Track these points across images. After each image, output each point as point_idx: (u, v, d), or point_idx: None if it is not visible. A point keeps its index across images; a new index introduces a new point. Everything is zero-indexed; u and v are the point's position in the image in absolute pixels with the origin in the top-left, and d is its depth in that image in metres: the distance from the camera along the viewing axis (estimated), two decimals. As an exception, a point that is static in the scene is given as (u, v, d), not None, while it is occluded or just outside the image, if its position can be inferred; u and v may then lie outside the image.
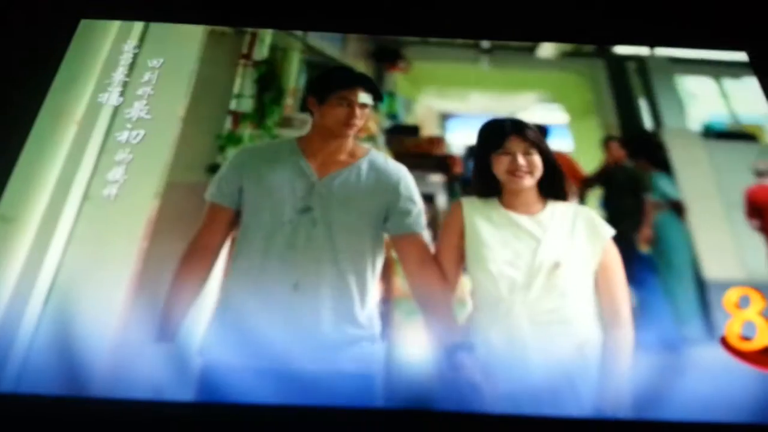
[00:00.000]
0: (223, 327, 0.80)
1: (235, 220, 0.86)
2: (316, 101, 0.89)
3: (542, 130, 0.93)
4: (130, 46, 1.00)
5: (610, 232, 0.84)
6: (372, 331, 0.81)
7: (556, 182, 0.86)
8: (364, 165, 0.88)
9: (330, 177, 0.86)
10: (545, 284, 0.81)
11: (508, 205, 0.86)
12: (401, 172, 0.88)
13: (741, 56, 1.05)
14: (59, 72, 0.97)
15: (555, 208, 0.85)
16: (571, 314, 0.80)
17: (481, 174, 0.86)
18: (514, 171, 0.84)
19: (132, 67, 0.99)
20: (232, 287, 0.82)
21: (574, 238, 0.83)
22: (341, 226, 0.84)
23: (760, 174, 0.93)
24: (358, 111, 0.87)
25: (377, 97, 0.90)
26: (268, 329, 0.78)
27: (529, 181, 0.84)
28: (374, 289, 0.83)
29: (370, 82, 0.90)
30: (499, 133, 0.86)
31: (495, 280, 0.81)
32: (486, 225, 0.84)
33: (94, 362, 0.74)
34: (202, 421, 0.73)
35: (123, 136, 0.92)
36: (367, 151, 0.89)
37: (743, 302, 0.80)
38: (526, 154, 0.85)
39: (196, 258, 0.83)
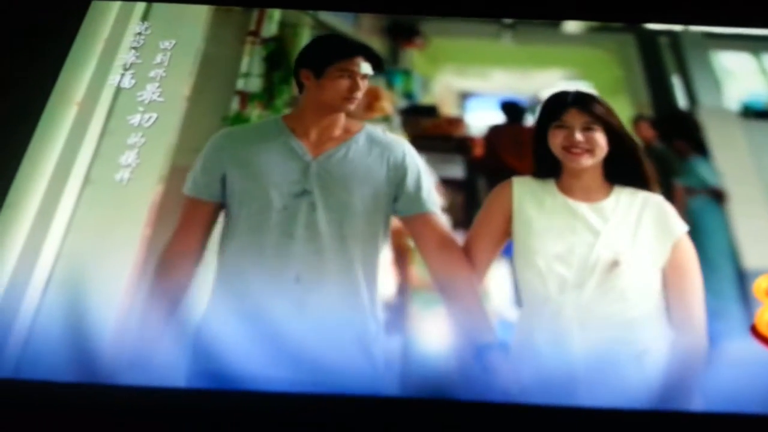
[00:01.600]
0: (213, 334, 0.73)
1: (217, 213, 0.80)
2: (312, 74, 0.83)
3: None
4: (141, 28, 0.97)
5: (683, 227, 0.76)
6: (379, 326, 0.75)
7: (627, 165, 0.77)
8: (361, 139, 0.82)
9: (326, 155, 0.80)
10: (601, 285, 0.73)
11: (566, 189, 0.78)
12: (404, 145, 0.82)
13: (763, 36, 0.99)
14: (70, 55, 0.94)
15: (620, 195, 0.77)
16: (631, 319, 0.72)
17: (537, 149, 0.79)
18: (569, 147, 0.77)
19: (143, 49, 0.95)
20: (221, 288, 0.75)
21: (638, 232, 0.75)
22: (345, 209, 0.77)
23: None
24: (360, 82, 0.82)
25: (378, 66, 0.84)
26: (268, 330, 0.72)
27: (588, 161, 0.77)
28: (382, 279, 0.77)
29: (370, 50, 0.84)
30: (558, 104, 0.79)
31: (543, 276, 0.74)
32: (538, 211, 0.77)
33: (97, 348, 0.71)
34: (208, 408, 0.70)
35: (135, 119, 0.88)
36: (362, 125, 0.83)
37: None
38: (587, 129, 0.77)
39: (175, 263, 0.76)
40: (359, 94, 0.82)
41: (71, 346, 0.71)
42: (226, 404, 0.70)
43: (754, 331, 0.73)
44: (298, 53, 0.87)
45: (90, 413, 0.70)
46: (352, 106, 0.82)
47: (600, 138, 0.77)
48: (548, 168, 0.79)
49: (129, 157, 0.85)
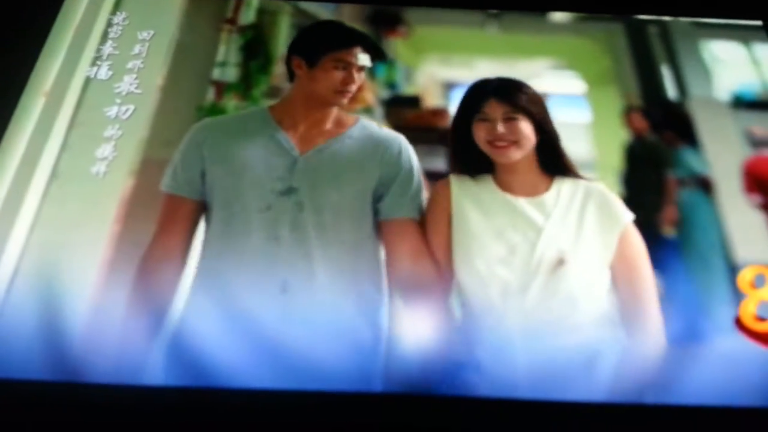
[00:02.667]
0: (190, 340, 0.68)
1: (199, 212, 0.74)
2: (305, 63, 0.77)
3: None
4: (119, 18, 0.93)
5: (628, 216, 0.72)
6: (379, 332, 0.69)
7: (552, 154, 0.73)
8: (354, 134, 0.76)
9: (316, 150, 0.75)
10: (546, 286, 0.68)
11: (504, 184, 0.73)
12: (401, 141, 0.77)
13: (756, 24, 0.98)
14: (46, 45, 0.90)
15: (561, 186, 0.73)
16: (579, 322, 0.67)
17: (462, 146, 0.74)
18: (493, 141, 0.72)
19: (121, 39, 0.91)
20: (197, 295, 0.70)
21: (582, 226, 0.71)
22: (335, 209, 0.72)
23: (757, 143, 0.86)
24: (356, 75, 0.76)
25: (376, 56, 0.78)
26: (249, 346, 0.67)
27: (516, 153, 0.72)
28: (383, 286, 0.72)
29: (368, 39, 0.78)
30: (478, 95, 0.74)
31: (483, 281, 0.69)
32: (476, 211, 0.72)
33: (66, 345, 0.68)
34: (187, 406, 0.67)
35: (112, 111, 0.85)
36: (356, 119, 0.78)
37: (758, 281, 0.74)
38: (509, 119, 0.72)
39: (157, 266, 0.71)
40: (354, 88, 0.76)
41: (38, 343, 0.68)
42: (206, 402, 0.67)
43: (739, 323, 0.72)
44: (293, 39, 0.82)
45: (62, 412, 0.67)
46: (345, 101, 0.77)
47: (525, 127, 0.72)
48: (476, 164, 0.74)
49: (105, 150, 0.81)
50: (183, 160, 0.76)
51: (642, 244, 0.71)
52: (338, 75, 0.76)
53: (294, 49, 0.80)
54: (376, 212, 0.74)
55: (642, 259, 0.71)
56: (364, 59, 0.77)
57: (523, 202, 0.72)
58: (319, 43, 0.77)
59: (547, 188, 0.73)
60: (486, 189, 0.74)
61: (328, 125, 0.77)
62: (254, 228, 0.71)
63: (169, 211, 0.74)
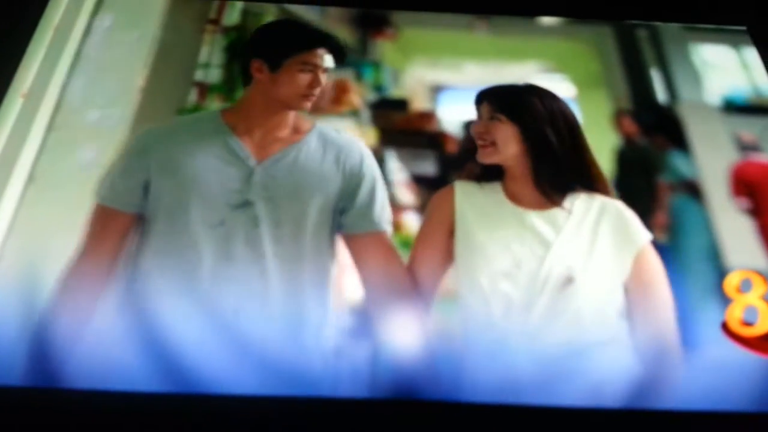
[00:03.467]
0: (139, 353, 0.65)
1: (133, 226, 0.70)
2: (266, 67, 0.72)
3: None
4: (106, 19, 0.92)
5: (646, 235, 0.68)
6: (327, 361, 0.66)
7: (539, 168, 0.69)
8: (313, 141, 0.72)
9: (272, 159, 0.71)
10: (552, 306, 0.64)
11: (511, 194, 0.70)
12: (362, 148, 0.73)
13: (740, 30, 0.98)
14: (29, 47, 0.88)
15: (575, 201, 0.69)
16: (587, 345, 0.64)
17: (468, 148, 0.72)
18: (476, 138, 0.70)
19: (105, 41, 0.90)
20: (132, 316, 0.67)
21: (595, 243, 0.68)
22: (293, 223, 0.68)
23: (745, 148, 0.86)
24: (321, 77, 0.72)
25: (340, 57, 0.74)
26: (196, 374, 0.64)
27: (492, 155, 0.69)
28: (334, 304, 0.69)
29: (333, 40, 0.74)
30: (479, 96, 0.72)
31: (486, 297, 0.66)
32: (482, 221, 0.69)
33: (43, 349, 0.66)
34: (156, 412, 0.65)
35: (94, 114, 0.83)
36: (312, 124, 0.74)
37: (744, 286, 0.73)
38: (492, 119, 0.70)
39: (82, 280, 0.67)
40: (318, 91, 0.73)
41: (17, 348, 0.66)
42: (181, 406, 0.65)
43: (725, 328, 0.71)
44: (249, 40, 0.77)
45: (40, 418, 0.65)
46: (309, 104, 0.73)
47: (503, 130, 0.69)
48: (483, 169, 0.72)
49: (86, 153, 0.79)
50: (125, 169, 0.71)
51: (660, 265, 0.68)
52: (304, 78, 0.72)
53: (253, 51, 0.74)
54: (338, 225, 0.71)
55: (660, 281, 0.68)
56: (329, 60, 0.73)
57: (532, 215, 0.69)
58: (283, 46, 0.73)
59: (559, 202, 0.69)
60: (493, 198, 0.71)
61: (285, 131, 0.73)
62: (204, 245, 0.67)
63: (101, 224, 0.69)
